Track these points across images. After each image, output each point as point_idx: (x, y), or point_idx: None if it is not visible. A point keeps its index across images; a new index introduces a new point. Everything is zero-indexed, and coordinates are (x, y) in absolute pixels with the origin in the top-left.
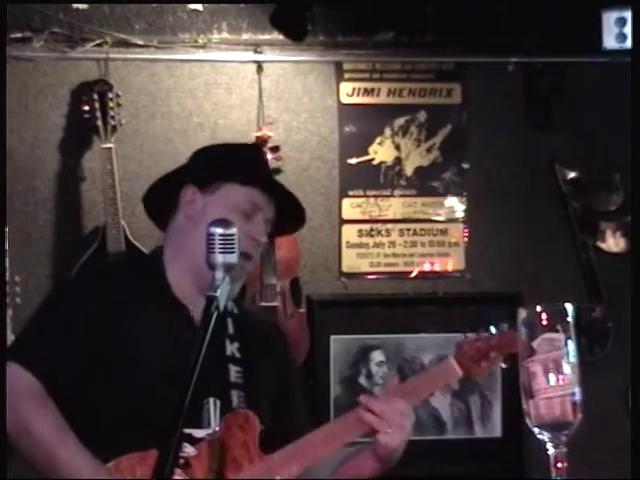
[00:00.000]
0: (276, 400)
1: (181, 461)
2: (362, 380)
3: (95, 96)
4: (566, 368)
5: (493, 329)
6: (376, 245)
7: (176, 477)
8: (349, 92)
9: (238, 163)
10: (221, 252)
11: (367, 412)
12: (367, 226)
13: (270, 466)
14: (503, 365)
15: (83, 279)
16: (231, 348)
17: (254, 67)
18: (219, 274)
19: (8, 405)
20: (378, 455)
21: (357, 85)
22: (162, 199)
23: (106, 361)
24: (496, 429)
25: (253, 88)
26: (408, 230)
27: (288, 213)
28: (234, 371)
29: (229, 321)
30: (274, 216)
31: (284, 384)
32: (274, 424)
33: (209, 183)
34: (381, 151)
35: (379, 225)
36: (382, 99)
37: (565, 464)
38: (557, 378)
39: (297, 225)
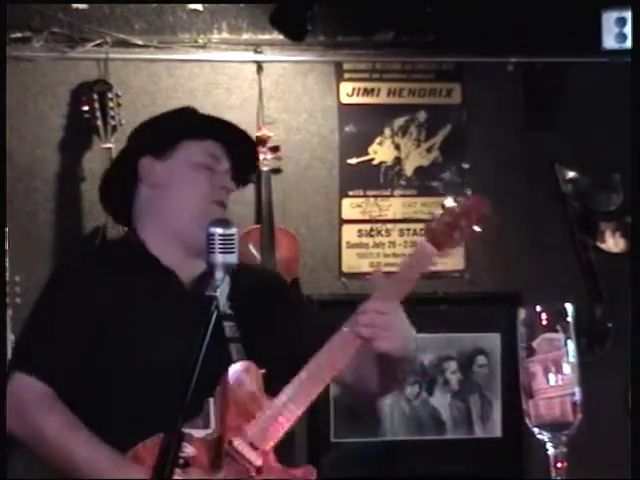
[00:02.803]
0: (283, 332)
1: (181, 461)
2: None
3: (95, 96)
4: (566, 368)
5: (451, 200)
6: (376, 245)
7: (176, 477)
8: (349, 92)
9: (187, 120)
10: (221, 252)
11: (359, 327)
12: (367, 226)
13: (280, 405)
14: (477, 229)
15: (69, 274)
16: (223, 308)
17: (254, 67)
18: (219, 274)
19: (19, 413)
20: (389, 359)
21: (357, 85)
22: (119, 189)
23: (110, 347)
24: (496, 429)
25: (253, 88)
26: (408, 230)
27: (242, 157)
28: (228, 327)
29: None
30: (230, 167)
31: (287, 316)
32: (291, 348)
33: (163, 148)
34: (381, 151)
35: (379, 225)
36: (382, 99)
37: (565, 464)
38: (557, 378)
39: (252, 169)
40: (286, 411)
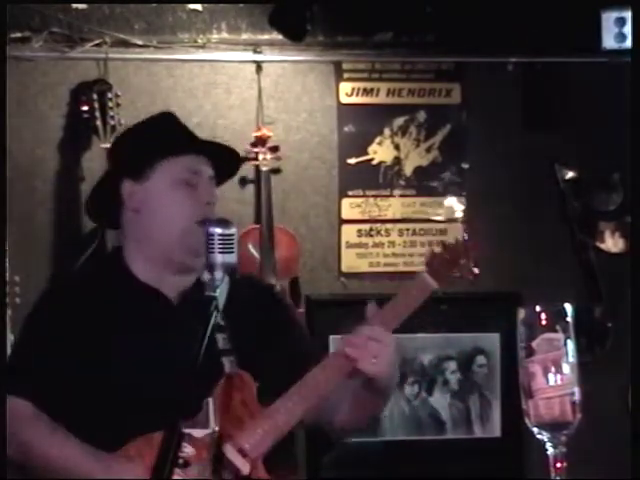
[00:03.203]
0: (273, 347)
1: (181, 461)
2: None
3: (94, 96)
4: (565, 368)
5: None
6: (375, 245)
7: (176, 477)
8: (348, 92)
9: (164, 138)
10: (220, 252)
11: (350, 347)
12: (366, 226)
13: (273, 416)
14: (476, 270)
15: (54, 297)
16: (216, 318)
17: (253, 67)
18: (218, 274)
19: (13, 432)
20: (371, 387)
21: (356, 85)
22: (104, 212)
23: (99, 366)
24: (495, 429)
25: (252, 88)
26: (407, 230)
27: (223, 161)
28: (221, 339)
29: None
30: (213, 172)
31: (275, 331)
32: (277, 369)
33: (143, 169)
34: (380, 151)
35: (378, 225)
36: (381, 99)
37: (564, 464)
38: (556, 378)
39: (236, 168)
40: (278, 422)
